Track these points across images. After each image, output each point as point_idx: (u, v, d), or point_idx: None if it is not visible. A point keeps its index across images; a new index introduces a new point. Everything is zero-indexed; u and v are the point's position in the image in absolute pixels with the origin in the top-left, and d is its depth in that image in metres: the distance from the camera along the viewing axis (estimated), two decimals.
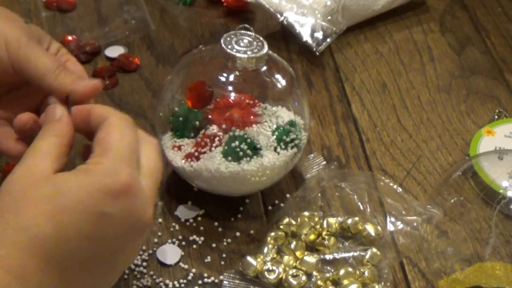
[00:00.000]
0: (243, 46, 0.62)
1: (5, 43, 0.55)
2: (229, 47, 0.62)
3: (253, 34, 0.63)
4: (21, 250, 0.44)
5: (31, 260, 0.44)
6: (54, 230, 0.45)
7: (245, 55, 0.62)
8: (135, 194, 0.48)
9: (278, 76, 0.65)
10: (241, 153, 0.62)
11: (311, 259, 0.61)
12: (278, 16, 0.84)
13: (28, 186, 0.46)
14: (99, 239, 0.46)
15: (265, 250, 0.62)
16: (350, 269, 0.60)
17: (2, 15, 0.57)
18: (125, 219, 0.47)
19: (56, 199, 0.45)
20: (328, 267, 0.61)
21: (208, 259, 0.64)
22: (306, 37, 0.83)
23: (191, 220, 0.67)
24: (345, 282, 0.59)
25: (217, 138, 0.63)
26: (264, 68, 0.64)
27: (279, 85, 0.65)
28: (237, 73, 0.63)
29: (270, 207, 0.68)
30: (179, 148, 0.65)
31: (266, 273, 0.60)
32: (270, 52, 0.64)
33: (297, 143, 0.64)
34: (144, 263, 0.63)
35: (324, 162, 0.69)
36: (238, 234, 0.66)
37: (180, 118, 0.65)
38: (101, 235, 0.46)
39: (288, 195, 0.69)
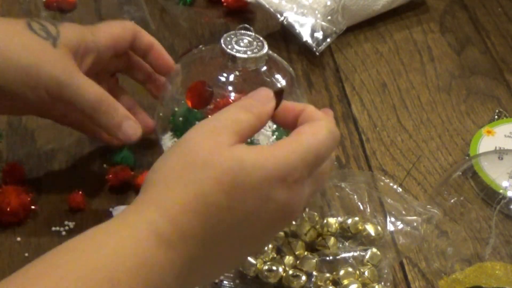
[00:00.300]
0: (243, 46, 0.62)
1: (45, 89, 0.59)
2: (229, 47, 0.62)
3: (253, 34, 0.63)
4: (191, 216, 0.45)
5: (198, 224, 0.45)
6: (226, 204, 0.46)
7: (245, 55, 0.62)
8: (297, 191, 0.48)
9: (278, 76, 0.65)
10: None
11: (311, 259, 0.61)
12: (278, 16, 0.84)
13: (213, 152, 0.46)
14: (258, 220, 0.47)
15: (265, 250, 0.62)
16: (350, 269, 0.60)
17: (35, 47, 0.60)
18: (283, 211, 0.48)
19: (236, 174, 0.46)
20: (328, 267, 0.61)
21: None
22: (306, 37, 0.83)
23: None
24: (345, 282, 0.59)
25: None
26: (264, 68, 0.64)
27: (279, 85, 0.65)
28: (237, 73, 0.63)
29: None
30: None
31: (266, 273, 0.60)
32: (270, 52, 0.64)
33: None
34: None
35: None
36: None
37: (180, 118, 0.65)
38: (261, 216, 0.47)
39: None
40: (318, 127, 0.50)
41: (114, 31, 0.66)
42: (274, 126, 0.64)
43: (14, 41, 0.59)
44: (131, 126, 0.62)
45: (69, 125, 0.69)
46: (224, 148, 0.47)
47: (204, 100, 0.63)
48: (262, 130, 0.63)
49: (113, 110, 0.61)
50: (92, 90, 0.60)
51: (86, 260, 0.42)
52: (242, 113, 0.49)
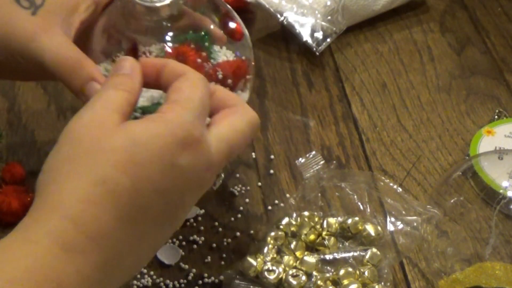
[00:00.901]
0: None
1: (18, 54, 0.56)
2: None
3: None
4: (95, 207, 0.41)
5: (105, 217, 0.42)
6: (130, 185, 0.42)
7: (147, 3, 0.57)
8: (202, 151, 0.46)
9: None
10: None
11: (311, 259, 0.61)
12: (278, 16, 0.84)
13: (100, 135, 0.43)
14: (168, 194, 0.44)
15: (265, 250, 0.62)
16: (350, 269, 0.60)
17: (10, 16, 0.56)
18: (189, 175, 0.45)
19: (132, 151, 0.43)
20: (328, 267, 0.61)
21: (208, 259, 0.64)
22: (306, 37, 0.83)
23: (191, 220, 0.67)
24: (345, 282, 0.59)
25: None
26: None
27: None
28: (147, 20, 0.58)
29: (270, 207, 0.68)
30: None
31: (266, 273, 0.60)
32: None
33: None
34: None
35: (323, 162, 0.69)
36: (238, 234, 0.66)
37: None
38: (170, 189, 0.44)
39: (288, 195, 0.69)
40: (190, 78, 0.48)
41: None
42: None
43: None
44: (96, 90, 0.54)
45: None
46: (110, 129, 0.44)
47: None
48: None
49: (78, 70, 0.55)
50: (55, 49, 0.55)
51: None
52: (114, 93, 0.47)
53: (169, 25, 0.58)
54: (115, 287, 0.45)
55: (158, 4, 0.57)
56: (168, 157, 0.44)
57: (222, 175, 0.61)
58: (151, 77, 0.49)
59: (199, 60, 0.57)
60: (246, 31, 0.63)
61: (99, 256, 0.41)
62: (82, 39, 0.59)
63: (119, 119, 0.45)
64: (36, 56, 0.55)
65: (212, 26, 0.61)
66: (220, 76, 0.58)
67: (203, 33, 0.60)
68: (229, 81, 0.59)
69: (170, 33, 0.58)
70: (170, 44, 0.58)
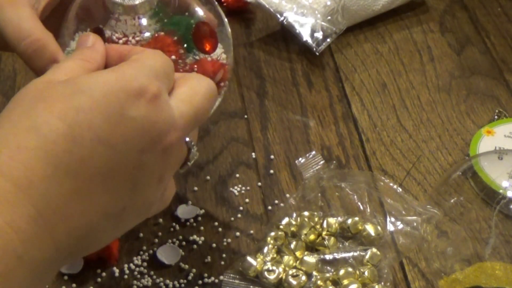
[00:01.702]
0: None
1: None
2: None
3: None
4: (26, 152, 0.38)
5: (37, 164, 0.38)
6: (67, 131, 0.39)
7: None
8: (161, 106, 0.42)
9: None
10: None
11: (311, 259, 0.61)
12: (278, 16, 0.84)
13: (43, 88, 0.41)
14: (116, 147, 0.40)
15: (265, 250, 0.62)
16: (350, 269, 0.60)
17: None
18: (146, 131, 0.42)
19: (73, 97, 0.40)
20: (328, 267, 0.61)
21: (208, 259, 0.64)
22: (306, 37, 0.83)
23: (191, 220, 0.67)
24: (345, 282, 0.59)
25: None
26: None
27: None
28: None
29: (270, 207, 0.68)
30: None
31: (266, 273, 0.60)
32: None
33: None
34: (144, 263, 0.63)
35: (323, 162, 0.69)
36: (238, 234, 0.66)
37: None
38: (119, 142, 0.41)
39: (288, 195, 0.69)
40: (149, 51, 0.46)
41: None
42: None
43: None
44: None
45: None
46: (55, 83, 0.41)
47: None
48: None
49: (40, 50, 0.50)
50: (17, 23, 0.50)
51: None
52: (68, 61, 0.44)
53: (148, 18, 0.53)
54: (67, 256, 0.41)
55: (136, 2, 0.52)
56: (115, 105, 0.40)
57: (196, 151, 0.54)
58: (118, 58, 0.47)
59: (173, 57, 0.52)
60: (225, 20, 0.58)
61: (31, 207, 0.38)
62: (55, 15, 0.55)
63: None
64: None
65: (201, 11, 0.56)
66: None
67: (191, 21, 0.54)
68: None
69: (147, 24, 0.53)
70: (147, 33, 0.53)
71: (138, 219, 0.46)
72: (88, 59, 0.45)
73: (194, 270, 0.63)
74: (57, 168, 0.39)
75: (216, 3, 0.58)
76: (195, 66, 0.53)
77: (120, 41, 0.52)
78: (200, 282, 0.62)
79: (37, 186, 0.38)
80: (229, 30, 0.58)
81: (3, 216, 0.37)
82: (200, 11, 0.56)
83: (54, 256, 0.39)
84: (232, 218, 0.67)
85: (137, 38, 0.53)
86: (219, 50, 0.56)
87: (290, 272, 0.60)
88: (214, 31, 0.55)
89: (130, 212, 0.44)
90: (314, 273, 0.60)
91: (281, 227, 0.64)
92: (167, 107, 0.43)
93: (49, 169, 0.38)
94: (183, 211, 0.67)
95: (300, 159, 0.68)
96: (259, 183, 0.71)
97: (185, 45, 0.53)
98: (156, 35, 0.53)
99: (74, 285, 0.62)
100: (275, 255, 0.62)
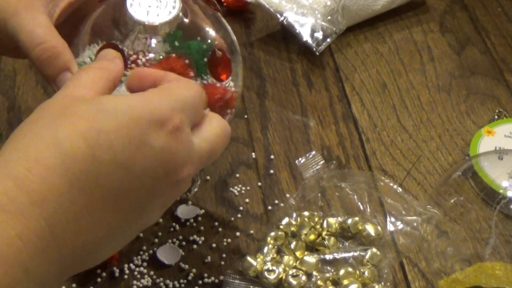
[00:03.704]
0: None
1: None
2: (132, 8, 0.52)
3: None
4: (45, 167, 0.39)
5: (54, 180, 0.39)
6: (87, 150, 0.39)
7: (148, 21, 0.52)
8: (180, 139, 0.43)
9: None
10: None
11: (311, 259, 0.61)
12: (278, 16, 0.84)
13: (68, 103, 0.41)
14: (133, 172, 0.41)
15: (265, 250, 0.62)
16: (350, 269, 0.60)
17: None
18: (163, 161, 0.42)
19: (97, 117, 0.40)
20: (328, 267, 0.61)
21: (208, 259, 0.64)
22: (306, 37, 0.83)
23: (191, 220, 0.67)
24: (345, 282, 0.59)
25: None
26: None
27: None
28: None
29: (270, 207, 0.68)
30: None
31: (266, 273, 0.60)
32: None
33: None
34: (144, 263, 0.63)
35: (323, 162, 0.69)
36: (238, 234, 0.66)
37: None
38: (137, 168, 0.41)
39: (288, 195, 0.69)
40: (184, 81, 0.47)
41: None
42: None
43: None
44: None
45: None
46: (80, 99, 0.42)
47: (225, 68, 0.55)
48: None
49: (53, 57, 0.50)
50: (31, 28, 0.50)
51: None
52: (87, 71, 0.45)
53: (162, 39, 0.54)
54: (70, 270, 0.42)
55: (157, 23, 0.52)
56: (136, 131, 0.41)
57: (198, 182, 0.57)
58: (146, 84, 0.47)
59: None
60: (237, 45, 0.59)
61: (43, 221, 0.38)
62: (69, 22, 0.55)
63: (92, 94, 0.43)
64: (13, 32, 0.51)
65: (214, 36, 0.56)
66: None
67: (204, 46, 0.55)
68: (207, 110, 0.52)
69: (161, 45, 0.54)
70: (159, 54, 0.53)
71: (136, 234, 0.47)
72: (105, 67, 0.46)
73: (194, 270, 0.63)
74: (73, 186, 0.39)
75: (230, 28, 0.58)
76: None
77: (131, 58, 0.52)
78: (200, 282, 0.62)
79: (51, 201, 0.38)
80: (241, 58, 0.59)
81: (15, 228, 0.37)
82: (212, 36, 0.56)
83: (59, 270, 0.40)
84: (232, 218, 0.67)
85: (148, 57, 0.53)
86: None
87: (290, 272, 0.60)
88: (229, 59, 0.56)
89: (133, 230, 0.46)
90: (314, 273, 0.60)
91: (281, 227, 0.64)
92: (187, 140, 0.44)
93: (65, 186, 0.39)
94: (183, 211, 0.67)
95: (300, 159, 0.68)
96: (259, 183, 0.71)
97: (196, 69, 0.54)
98: (168, 56, 0.53)
99: (74, 285, 0.62)
100: (275, 255, 0.62)
